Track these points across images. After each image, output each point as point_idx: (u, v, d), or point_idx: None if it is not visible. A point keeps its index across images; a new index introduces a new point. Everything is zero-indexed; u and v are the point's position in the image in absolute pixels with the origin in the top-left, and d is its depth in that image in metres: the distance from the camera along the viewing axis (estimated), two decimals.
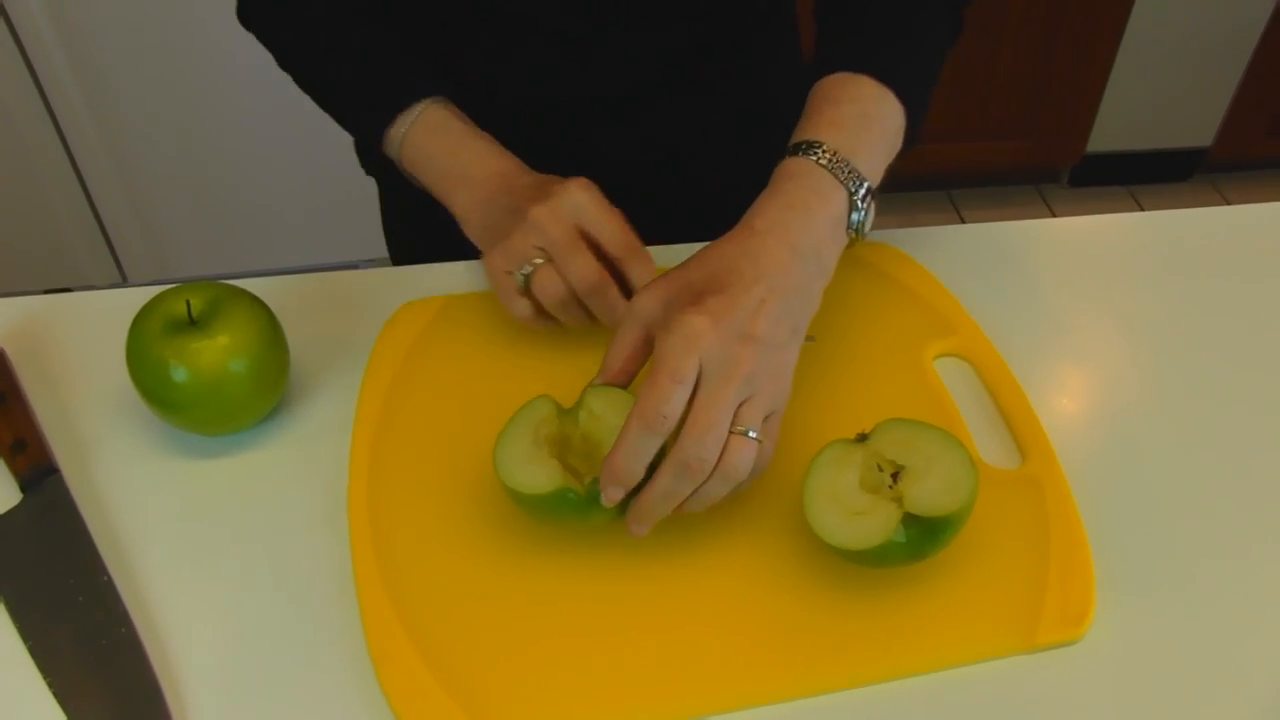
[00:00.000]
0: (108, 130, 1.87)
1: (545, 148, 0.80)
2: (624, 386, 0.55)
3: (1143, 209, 2.39)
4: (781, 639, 0.51)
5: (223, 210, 2.01)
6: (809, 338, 0.61)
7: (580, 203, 0.61)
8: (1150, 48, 2.16)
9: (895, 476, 0.51)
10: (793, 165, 0.57)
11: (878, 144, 0.60)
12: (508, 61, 0.76)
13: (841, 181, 0.57)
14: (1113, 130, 2.30)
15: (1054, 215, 2.34)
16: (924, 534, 0.50)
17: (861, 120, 0.59)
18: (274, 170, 1.96)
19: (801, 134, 0.59)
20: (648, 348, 0.55)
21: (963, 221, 2.37)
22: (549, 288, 0.61)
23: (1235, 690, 0.50)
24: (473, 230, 0.66)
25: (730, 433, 0.50)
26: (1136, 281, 0.73)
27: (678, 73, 0.77)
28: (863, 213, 0.57)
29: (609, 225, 0.62)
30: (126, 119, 1.86)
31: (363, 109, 0.71)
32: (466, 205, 0.66)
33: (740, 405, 0.50)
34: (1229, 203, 2.43)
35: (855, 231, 0.58)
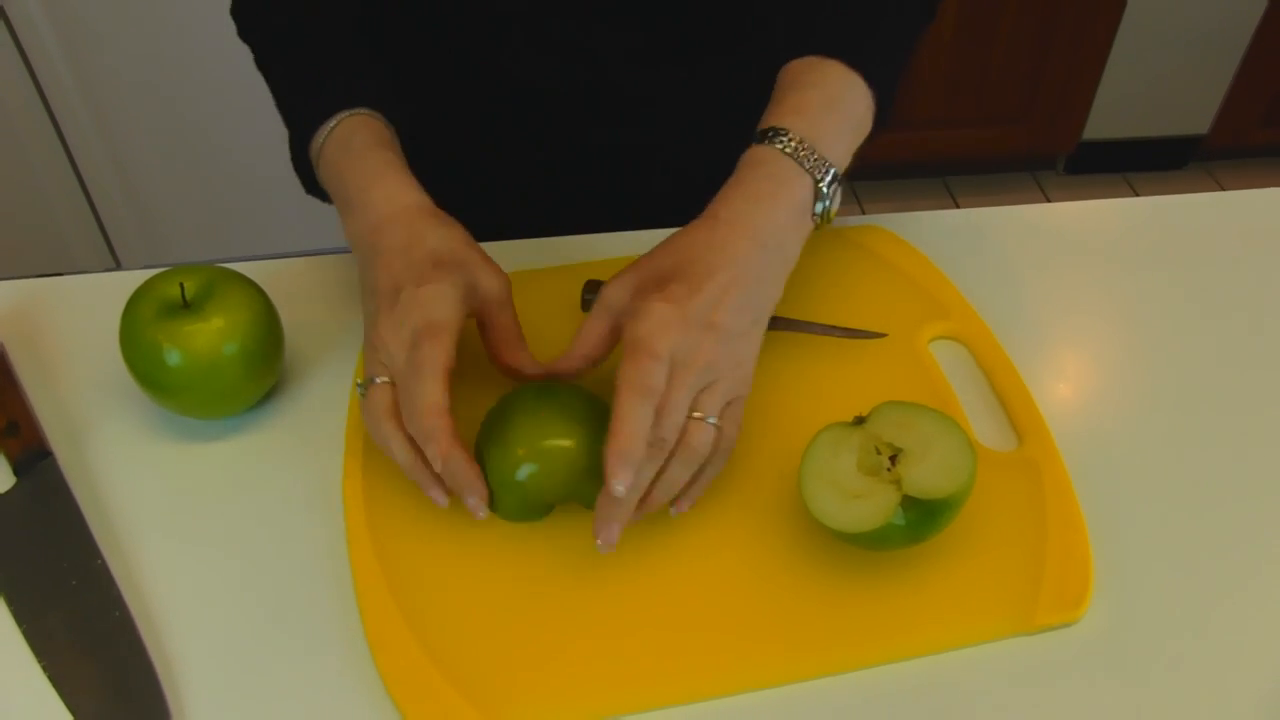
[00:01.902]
0: (101, 115, 1.86)
1: (537, 141, 0.79)
2: (585, 371, 0.56)
3: (1138, 196, 2.39)
4: (780, 623, 0.51)
5: (216, 195, 2.01)
6: (879, 334, 0.62)
7: (430, 320, 0.52)
8: (1147, 35, 2.16)
9: (893, 459, 0.51)
10: (757, 153, 0.57)
11: (843, 128, 0.59)
12: (495, 57, 0.75)
13: (806, 169, 0.56)
14: (1109, 117, 2.30)
15: (1049, 202, 2.34)
16: (923, 516, 0.50)
17: (826, 105, 0.59)
18: (267, 155, 1.94)
19: (766, 120, 0.59)
20: (614, 337, 0.56)
21: (958, 208, 2.37)
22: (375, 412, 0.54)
23: (1233, 672, 0.50)
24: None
25: (690, 418, 0.51)
26: (1132, 267, 0.73)
27: (666, 66, 0.77)
28: (828, 200, 0.57)
29: (489, 332, 0.58)
30: (120, 104, 1.85)
31: (292, 124, 0.65)
32: (349, 236, 0.60)
33: (700, 393, 0.51)
34: (1224, 190, 2.43)
35: (820, 218, 0.58)
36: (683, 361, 0.51)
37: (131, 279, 0.65)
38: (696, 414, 0.51)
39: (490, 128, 0.80)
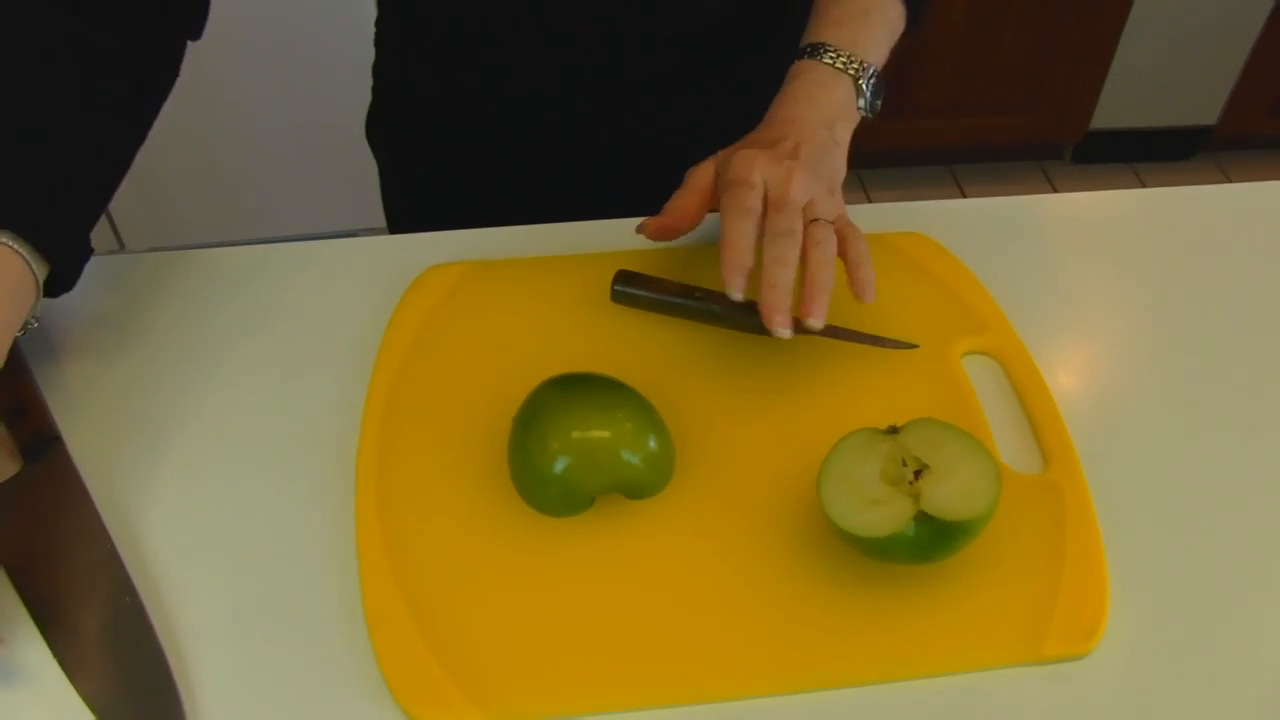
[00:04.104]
0: None
1: (568, 129, 0.79)
2: (678, 235, 0.63)
3: (1145, 186, 2.38)
4: (782, 632, 0.51)
5: (221, 177, 2.00)
6: (911, 344, 0.62)
7: None
8: (1156, 25, 2.15)
9: (917, 474, 0.50)
10: (799, 66, 0.65)
11: (877, 33, 0.66)
12: (524, 42, 0.75)
13: (845, 71, 0.63)
14: (1117, 107, 2.29)
15: (1056, 192, 2.34)
16: (934, 536, 0.49)
17: (861, 15, 0.65)
18: (272, 138, 1.94)
19: (807, 38, 0.65)
20: (705, 203, 0.63)
21: (965, 197, 2.36)
22: None
23: None
24: None
25: (808, 224, 0.57)
26: (1139, 258, 0.73)
27: (697, 56, 0.77)
28: (868, 95, 0.64)
29: None
30: None
31: None
32: None
33: (806, 207, 0.57)
34: (1232, 181, 2.42)
35: (864, 110, 0.65)
36: (780, 179, 0.57)
37: (136, 261, 0.65)
38: (811, 218, 0.57)
39: (522, 117, 0.80)
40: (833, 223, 0.58)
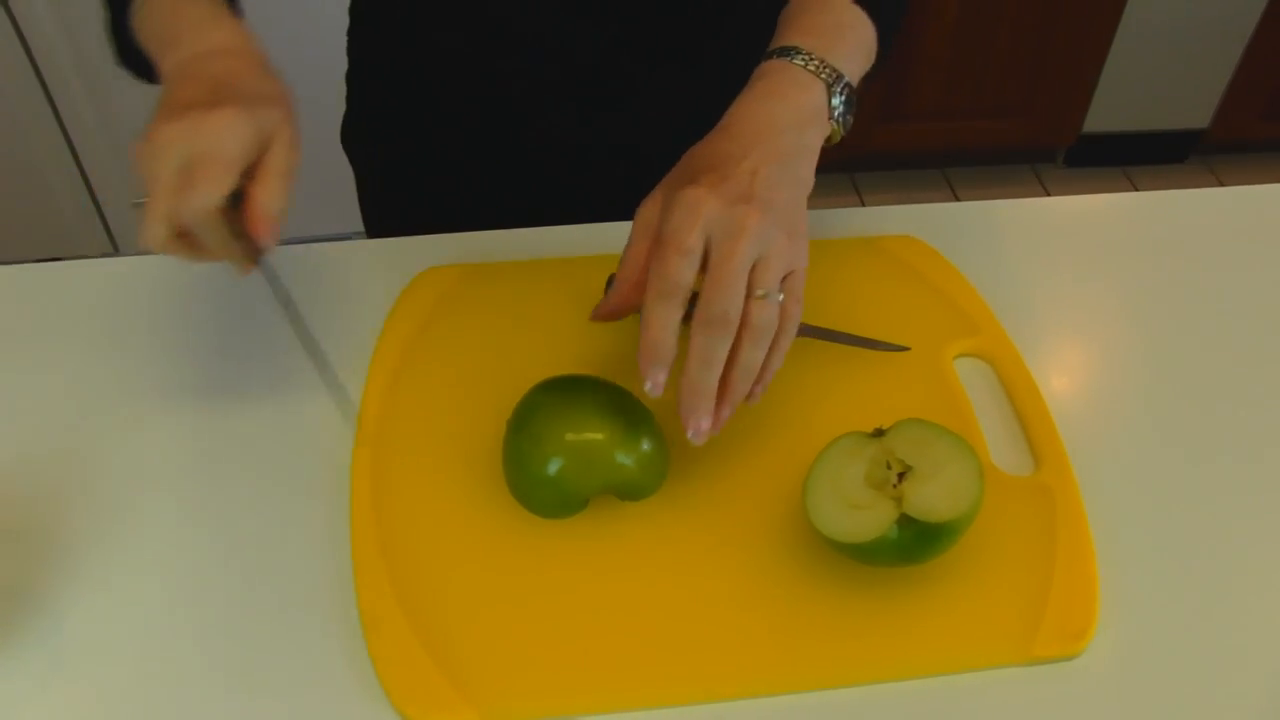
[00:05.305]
0: (100, 100, 1.85)
1: (539, 133, 0.79)
2: (634, 310, 0.54)
3: (1137, 190, 2.39)
4: (772, 633, 0.51)
5: None
6: (903, 347, 0.61)
7: (211, 146, 0.51)
8: (1148, 28, 2.16)
9: (901, 476, 0.50)
10: (768, 66, 0.58)
11: (853, 48, 0.59)
12: (490, 48, 0.76)
13: (818, 76, 0.57)
14: (1109, 110, 2.30)
15: (1049, 195, 2.34)
16: (917, 538, 0.49)
17: (835, 28, 0.60)
18: None
19: (777, 42, 0.59)
20: None
21: (958, 200, 2.37)
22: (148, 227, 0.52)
23: None
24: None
25: (751, 298, 0.50)
26: (1130, 261, 0.73)
27: (656, 59, 0.77)
28: (841, 104, 0.57)
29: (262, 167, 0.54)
30: (119, 88, 1.84)
31: None
32: (168, 69, 0.58)
33: (755, 267, 0.50)
34: (1224, 185, 2.43)
35: (836, 122, 0.58)
36: (726, 234, 0.49)
37: (129, 264, 0.65)
38: (756, 292, 0.50)
39: (486, 125, 0.80)
40: (783, 282, 0.51)
